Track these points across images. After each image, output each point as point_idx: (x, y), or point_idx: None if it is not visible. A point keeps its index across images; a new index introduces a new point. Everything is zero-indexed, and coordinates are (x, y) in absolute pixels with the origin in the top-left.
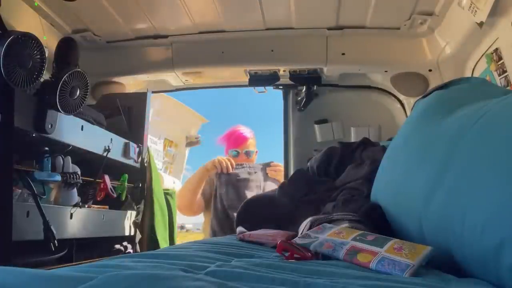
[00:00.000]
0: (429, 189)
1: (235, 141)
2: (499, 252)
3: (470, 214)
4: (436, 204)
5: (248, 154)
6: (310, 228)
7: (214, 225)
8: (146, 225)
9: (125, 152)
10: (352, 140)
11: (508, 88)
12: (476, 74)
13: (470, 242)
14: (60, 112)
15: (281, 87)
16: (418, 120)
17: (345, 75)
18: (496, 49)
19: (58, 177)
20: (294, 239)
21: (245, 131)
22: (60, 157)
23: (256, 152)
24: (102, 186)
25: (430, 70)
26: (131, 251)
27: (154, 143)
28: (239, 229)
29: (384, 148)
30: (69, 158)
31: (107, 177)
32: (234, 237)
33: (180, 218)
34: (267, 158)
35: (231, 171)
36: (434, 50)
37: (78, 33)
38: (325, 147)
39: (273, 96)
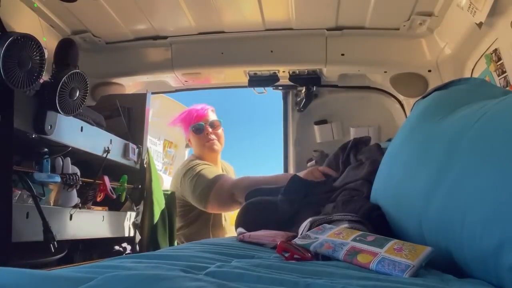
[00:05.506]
0: (429, 190)
1: (196, 116)
2: (499, 252)
3: (470, 214)
4: (436, 205)
5: (213, 125)
6: (310, 228)
7: None
8: (145, 226)
9: (125, 153)
10: None
11: (507, 88)
12: (476, 74)
13: (470, 242)
14: (59, 113)
15: (281, 88)
16: (418, 120)
17: (344, 76)
18: (496, 50)
19: (58, 178)
20: (294, 240)
21: (201, 105)
22: (60, 158)
23: (220, 122)
24: (101, 187)
25: (429, 71)
26: (131, 252)
27: (153, 144)
28: (239, 230)
29: (378, 145)
30: (68, 159)
31: (106, 178)
32: (234, 238)
33: None
34: (267, 158)
35: None
36: (434, 51)
37: (77, 34)
38: (325, 147)
39: (273, 97)
